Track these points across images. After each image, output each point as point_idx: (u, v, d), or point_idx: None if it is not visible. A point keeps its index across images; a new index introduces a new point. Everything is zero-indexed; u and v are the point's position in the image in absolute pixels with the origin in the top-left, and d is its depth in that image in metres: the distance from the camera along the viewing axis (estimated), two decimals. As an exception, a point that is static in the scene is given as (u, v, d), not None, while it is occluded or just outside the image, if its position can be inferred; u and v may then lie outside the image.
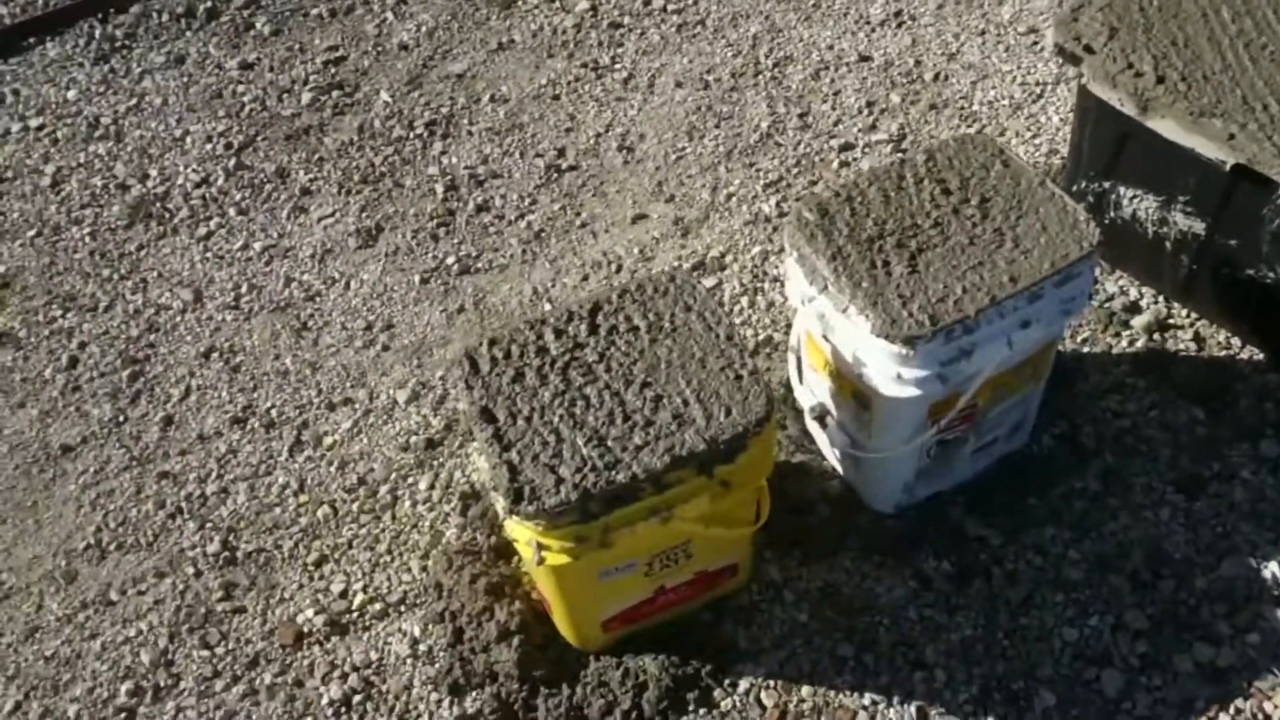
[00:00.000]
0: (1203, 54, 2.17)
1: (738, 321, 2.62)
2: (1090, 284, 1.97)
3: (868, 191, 2.01)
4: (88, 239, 3.07)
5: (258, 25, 3.70)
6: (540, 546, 1.72)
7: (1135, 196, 2.34)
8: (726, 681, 2.06)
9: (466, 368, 1.83)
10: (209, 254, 3.00)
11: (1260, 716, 1.92)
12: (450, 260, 2.90)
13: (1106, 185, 2.39)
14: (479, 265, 2.88)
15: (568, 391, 1.78)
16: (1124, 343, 2.46)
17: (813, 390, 2.23)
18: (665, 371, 1.80)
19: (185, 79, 3.53)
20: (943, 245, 1.91)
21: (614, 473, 1.67)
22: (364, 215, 3.04)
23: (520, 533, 1.73)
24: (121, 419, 2.64)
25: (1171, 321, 2.48)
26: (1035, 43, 3.28)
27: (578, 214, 2.99)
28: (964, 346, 1.85)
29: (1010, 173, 2.01)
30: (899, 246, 1.92)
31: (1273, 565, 2.08)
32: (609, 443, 1.71)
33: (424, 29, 3.65)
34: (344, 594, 2.27)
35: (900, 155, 2.06)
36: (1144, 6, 2.29)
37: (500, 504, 1.71)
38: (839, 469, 2.30)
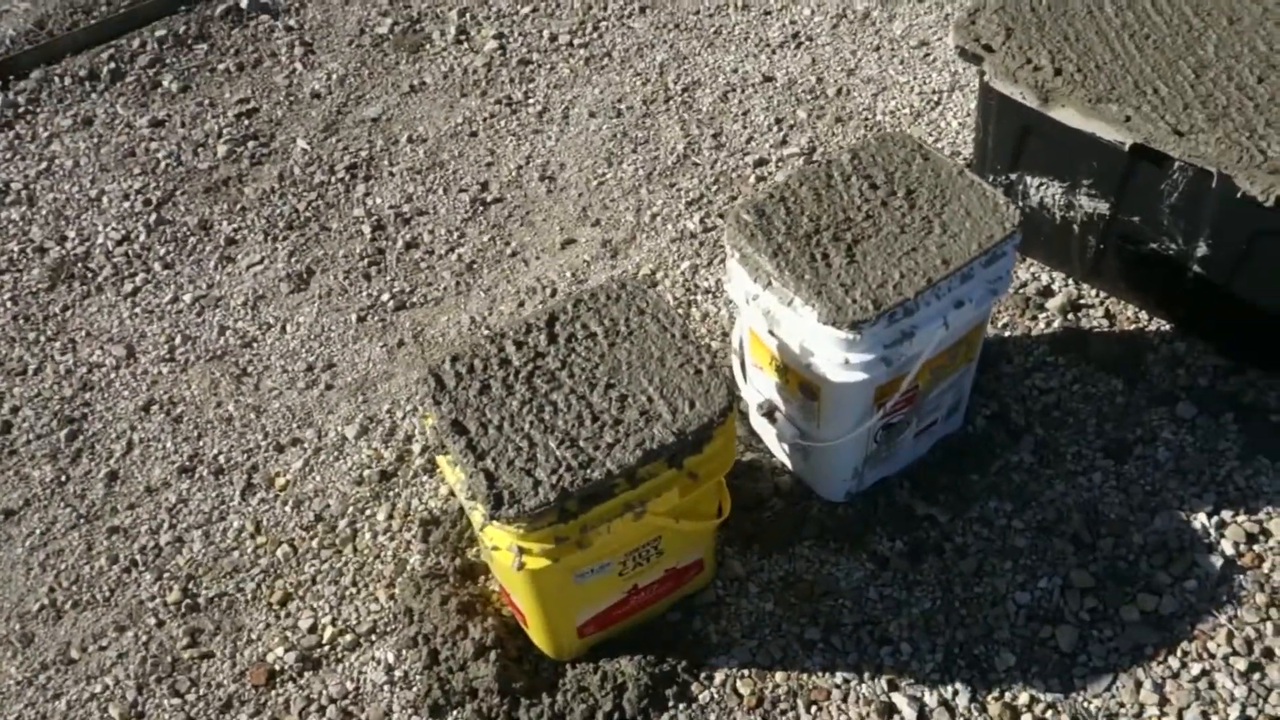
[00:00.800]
0: (1093, 47, 2.34)
1: (676, 333, 2.70)
2: (1013, 264, 2.09)
3: (799, 191, 2.11)
4: (9, 304, 3.02)
5: (164, 83, 3.69)
6: (521, 551, 1.76)
7: (1041, 185, 2.49)
8: (702, 675, 2.11)
9: (432, 384, 1.87)
10: (138, 309, 2.97)
11: (1205, 655, 2.05)
12: (385, 297, 2.93)
13: (1013, 177, 2.54)
14: (414, 300, 2.92)
15: (535, 399, 1.83)
16: (1041, 325, 2.60)
17: (758, 388, 2.31)
18: (627, 372, 1.86)
19: (95, 140, 3.50)
20: (876, 235, 2.02)
21: (589, 471, 1.72)
22: (293, 260, 3.05)
23: (500, 539, 1.77)
24: (63, 479, 2.60)
25: (1083, 301, 2.63)
26: (927, 54, 3.45)
27: (507, 244, 3.05)
28: (905, 329, 1.96)
29: (930, 165, 2.13)
30: (835, 240, 2.02)
31: (1201, 516, 2.21)
32: (581, 443, 1.76)
33: (334, 77, 3.68)
34: (313, 629, 2.27)
35: (825, 157, 2.17)
36: (1035, 7, 2.45)
37: (479, 512, 1.75)
38: (788, 464, 2.39)
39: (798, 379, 2.11)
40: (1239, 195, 2.06)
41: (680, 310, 2.77)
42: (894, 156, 2.16)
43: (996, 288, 2.06)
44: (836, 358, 1.95)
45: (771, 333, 2.07)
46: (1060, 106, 2.27)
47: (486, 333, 1.95)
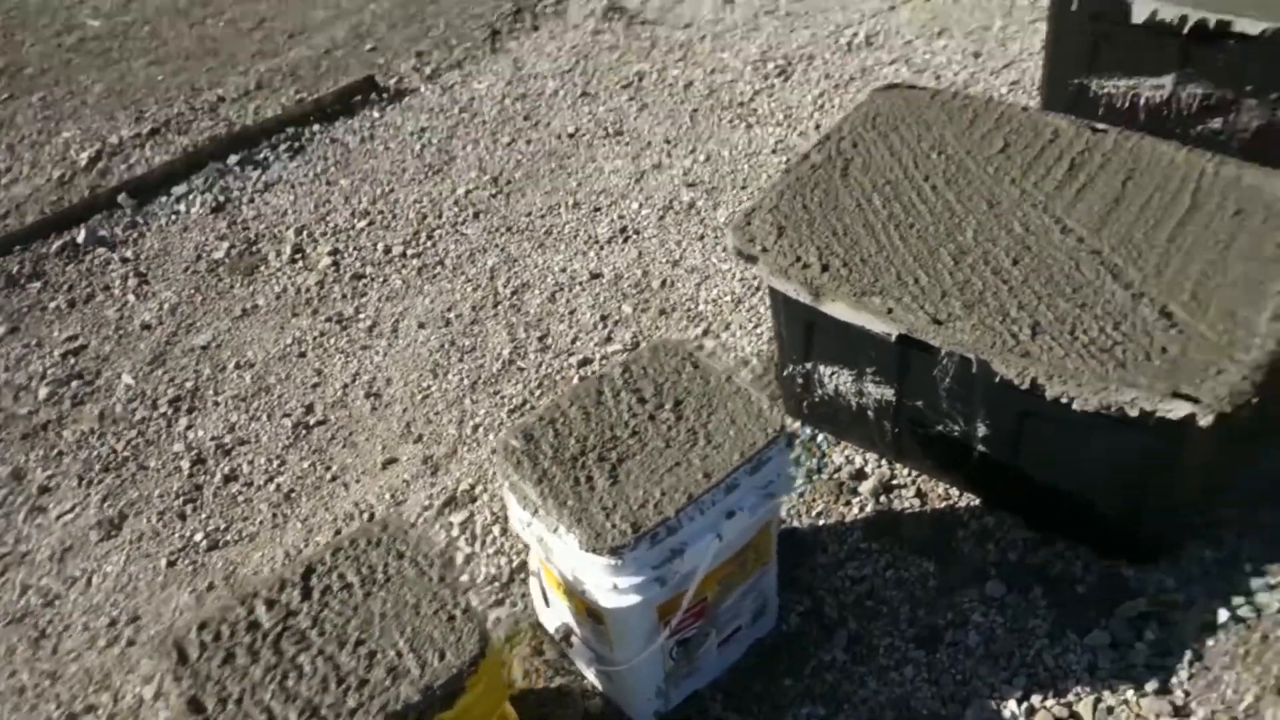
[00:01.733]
0: (860, 240, 2.38)
1: (490, 552, 2.63)
2: (787, 465, 2.07)
3: (569, 411, 2.09)
4: None
5: (-9, 327, 3.65)
6: (267, 834, 1.65)
7: (833, 373, 2.50)
8: None
9: (174, 658, 1.78)
10: (-59, 573, 2.85)
11: None
12: (198, 537, 2.83)
13: (809, 366, 2.55)
14: (229, 538, 2.83)
15: (280, 665, 1.75)
16: (855, 510, 2.57)
17: (557, 612, 2.24)
18: (380, 625, 1.79)
19: (-86, 393, 3.43)
20: (641, 453, 1.99)
21: (329, 742, 1.63)
22: (106, 505, 2.96)
23: (243, 824, 1.66)
24: None
25: (895, 482, 2.61)
26: (746, 240, 3.52)
27: (328, 468, 2.99)
28: (673, 546, 1.91)
29: (700, 373, 2.13)
30: (600, 460, 1.99)
31: (1011, 703, 2.15)
32: (323, 711, 1.67)
33: (166, 306, 3.66)
34: None
35: (597, 373, 2.16)
36: (807, 204, 2.50)
37: (216, 797, 1.64)
38: (598, 685, 2.30)
39: (581, 603, 2.05)
40: (998, 379, 2.08)
41: (497, 526, 2.71)
42: (665, 366, 2.16)
43: (773, 490, 2.04)
44: (605, 583, 1.90)
45: (549, 559, 2.02)
46: (831, 301, 2.29)
47: (235, 594, 1.86)
